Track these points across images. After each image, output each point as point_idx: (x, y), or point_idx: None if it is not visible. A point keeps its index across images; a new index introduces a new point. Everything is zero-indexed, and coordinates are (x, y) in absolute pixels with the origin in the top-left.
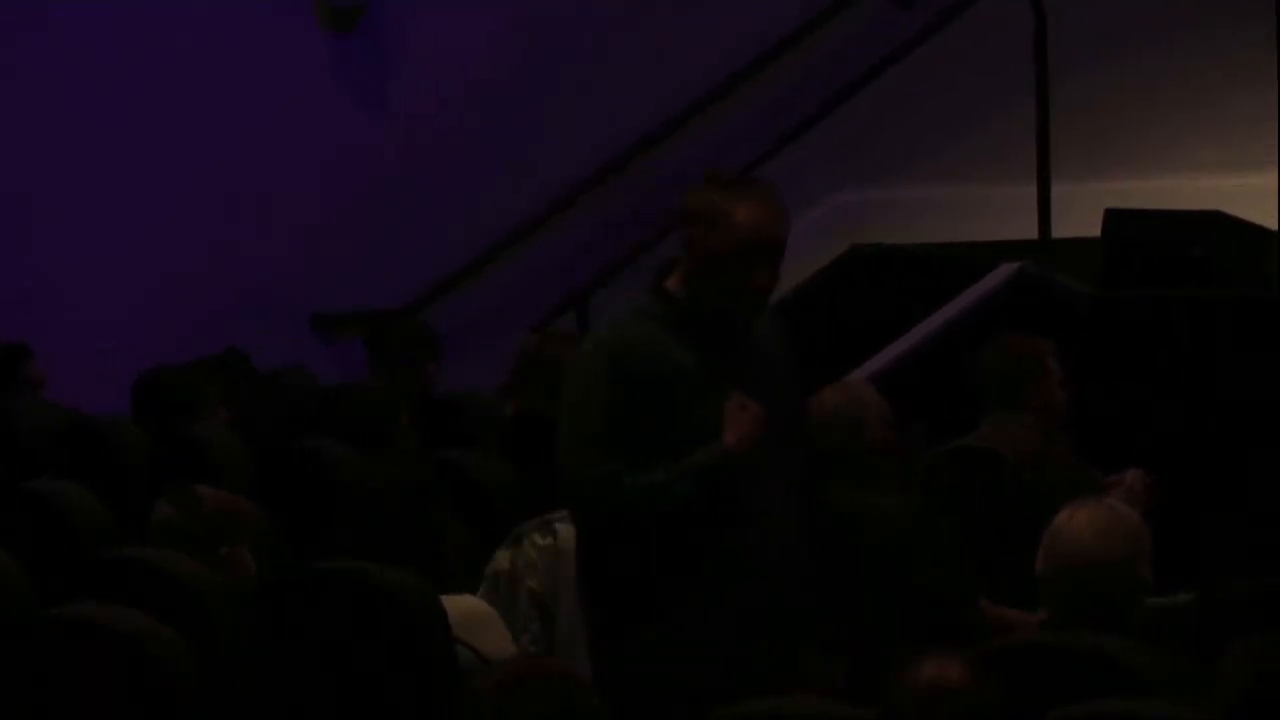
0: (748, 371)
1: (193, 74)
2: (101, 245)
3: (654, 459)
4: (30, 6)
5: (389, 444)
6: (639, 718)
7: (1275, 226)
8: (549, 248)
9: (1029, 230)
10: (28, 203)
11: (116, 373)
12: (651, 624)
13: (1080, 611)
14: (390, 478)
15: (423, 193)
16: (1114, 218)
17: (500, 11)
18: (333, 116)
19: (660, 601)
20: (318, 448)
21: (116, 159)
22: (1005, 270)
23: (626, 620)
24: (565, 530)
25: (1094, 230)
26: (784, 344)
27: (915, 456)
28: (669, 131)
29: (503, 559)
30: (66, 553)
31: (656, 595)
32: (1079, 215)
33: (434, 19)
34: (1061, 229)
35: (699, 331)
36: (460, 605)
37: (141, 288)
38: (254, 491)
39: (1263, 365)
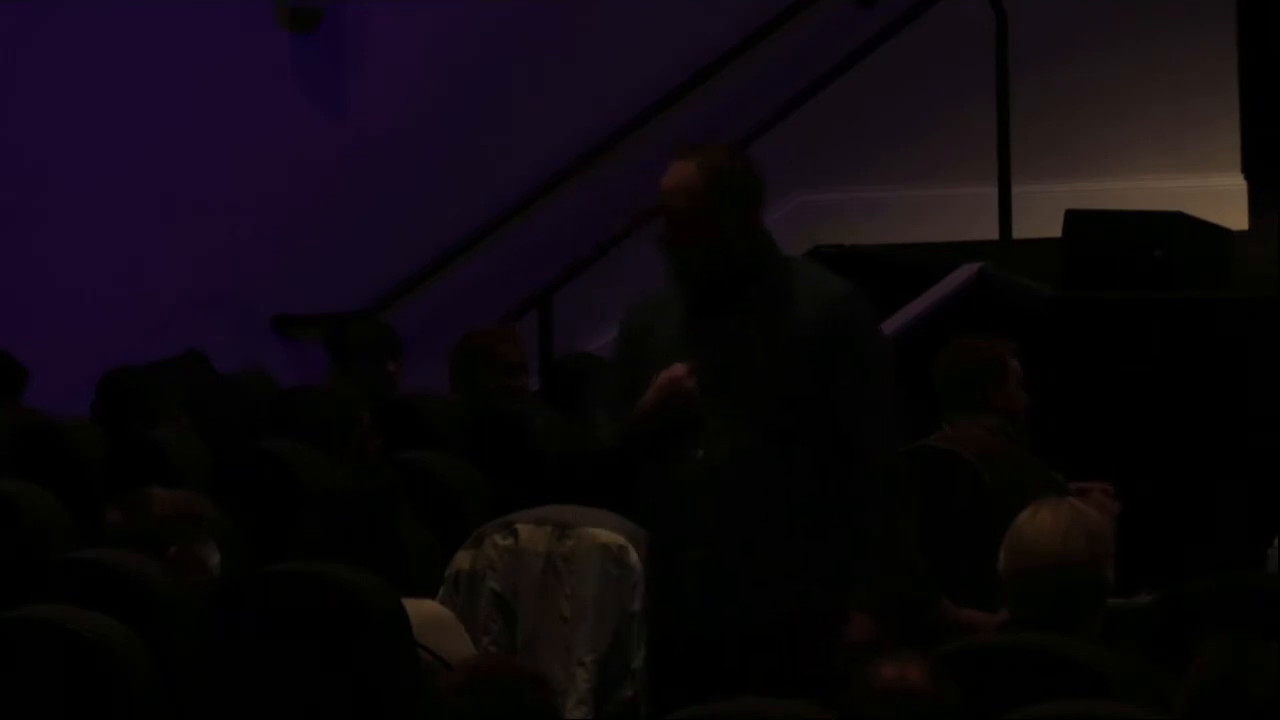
0: (727, 332)
1: (151, 74)
2: (59, 246)
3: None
4: None
5: (349, 445)
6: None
7: (1235, 227)
8: (510, 249)
9: (989, 231)
10: None
11: (75, 374)
12: (649, 563)
13: (1043, 611)
14: (351, 479)
15: (383, 194)
16: (1074, 219)
17: (460, 12)
18: (292, 117)
19: (650, 542)
20: (278, 449)
21: (71, 159)
22: (966, 271)
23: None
24: (526, 531)
25: (1054, 231)
26: (793, 305)
27: None
28: (630, 131)
29: (463, 560)
30: (25, 554)
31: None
32: (1039, 216)
33: (394, 20)
34: (1022, 230)
35: (694, 292)
36: (421, 610)
37: (100, 290)
38: (214, 493)
39: (1223, 366)
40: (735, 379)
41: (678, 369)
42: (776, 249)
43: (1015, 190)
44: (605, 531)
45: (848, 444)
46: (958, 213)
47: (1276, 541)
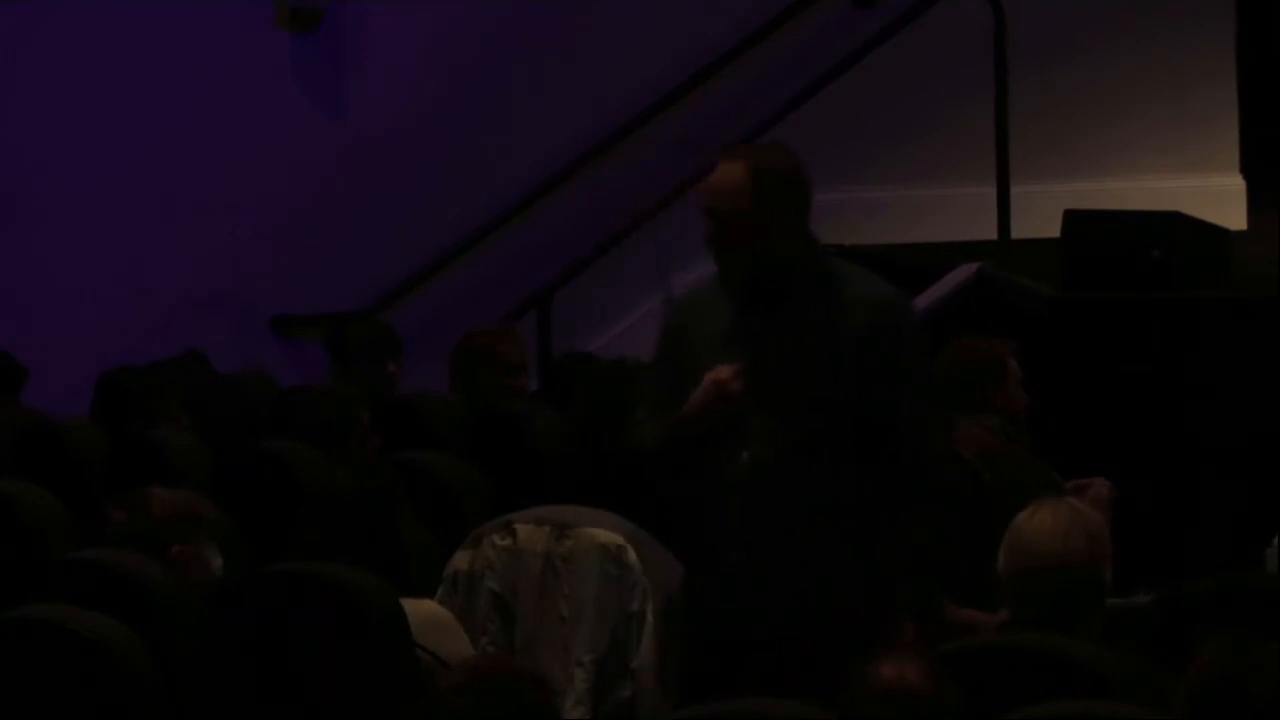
0: (771, 334)
1: (151, 74)
2: (59, 246)
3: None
4: None
5: (349, 445)
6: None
7: (1235, 227)
8: (510, 249)
9: (988, 231)
10: None
11: (75, 374)
12: (685, 564)
13: (1043, 611)
14: (351, 479)
15: (383, 194)
16: (1073, 218)
17: (460, 12)
18: (292, 117)
19: (683, 546)
20: (278, 449)
21: (71, 159)
22: (964, 271)
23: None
24: (524, 531)
25: (1053, 231)
26: (839, 309)
27: None
28: (630, 131)
29: (462, 560)
30: (25, 554)
31: (681, 540)
32: (1039, 216)
33: (394, 20)
34: (1021, 230)
35: (738, 293)
36: (420, 610)
37: (100, 290)
38: (213, 493)
39: (1222, 366)
40: (781, 382)
41: (723, 371)
42: (822, 250)
43: (1014, 190)
44: (604, 531)
45: (892, 448)
46: (957, 213)
47: (1276, 541)
